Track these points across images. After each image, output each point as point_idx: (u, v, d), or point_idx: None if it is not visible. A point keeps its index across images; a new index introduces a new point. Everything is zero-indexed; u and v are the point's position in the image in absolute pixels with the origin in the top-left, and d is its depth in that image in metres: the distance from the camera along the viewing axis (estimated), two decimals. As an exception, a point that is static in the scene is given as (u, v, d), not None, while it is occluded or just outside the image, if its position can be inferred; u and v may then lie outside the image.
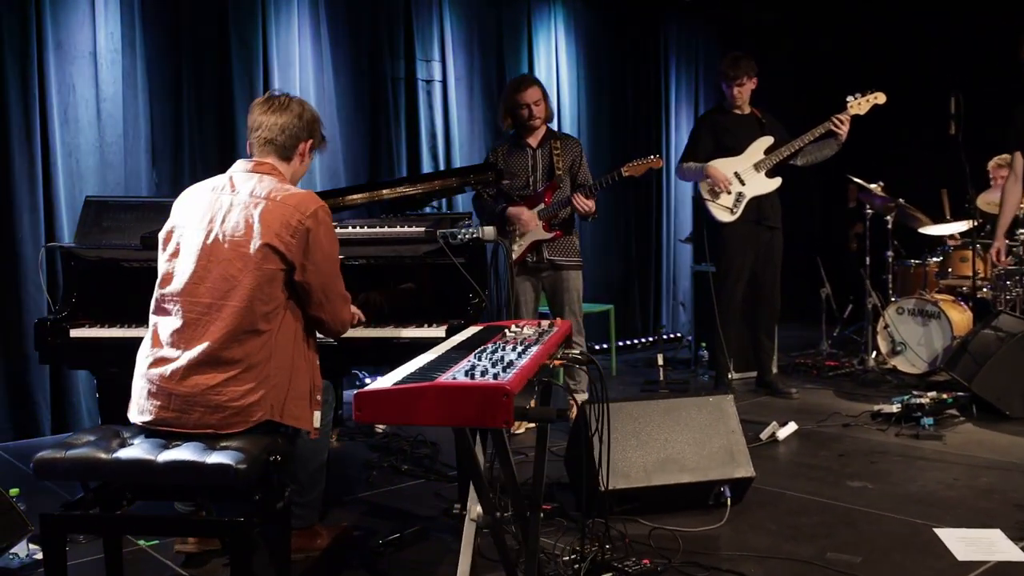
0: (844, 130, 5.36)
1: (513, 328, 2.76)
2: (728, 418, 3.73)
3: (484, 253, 3.30)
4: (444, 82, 6.83)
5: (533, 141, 4.93)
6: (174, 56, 5.61)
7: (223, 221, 2.62)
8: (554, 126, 7.36)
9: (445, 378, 1.99)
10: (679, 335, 8.05)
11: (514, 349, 2.36)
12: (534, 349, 2.37)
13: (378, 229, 3.38)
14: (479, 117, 7.04)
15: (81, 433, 2.72)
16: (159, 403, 2.60)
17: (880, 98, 5.38)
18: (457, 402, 1.92)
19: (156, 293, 2.68)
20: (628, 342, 7.83)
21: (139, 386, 2.64)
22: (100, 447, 2.60)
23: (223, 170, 5.70)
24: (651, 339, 7.94)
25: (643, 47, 8.24)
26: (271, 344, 2.64)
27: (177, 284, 2.63)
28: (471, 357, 2.25)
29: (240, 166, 2.77)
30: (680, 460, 3.59)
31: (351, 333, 3.13)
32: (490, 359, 2.20)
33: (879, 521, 3.50)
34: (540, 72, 7.38)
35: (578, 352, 2.74)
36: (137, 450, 2.57)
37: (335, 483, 4.22)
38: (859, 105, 5.38)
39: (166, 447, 2.57)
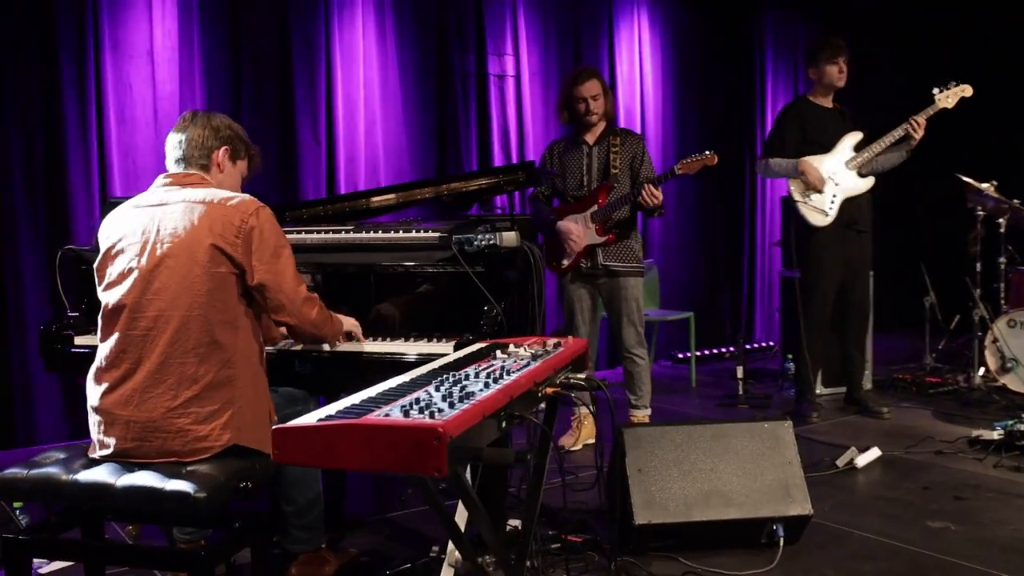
0: (919, 135, 4.90)
1: (512, 347, 2.45)
2: (784, 447, 3.32)
3: (505, 261, 2.99)
4: (517, 77, 6.54)
5: (590, 138, 4.60)
6: (232, 54, 5.50)
7: (158, 231, 2.47)
8: (639, 124, 7.06)
9: (377, 415, 1.71)
10: (771, 344, 7.55)
11: (489, 376, 2.05)
12: (512, 377, 2.06)
13: (390, 234, 3.12)
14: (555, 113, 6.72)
15: (54, 451, 2.57)
16: (117, 434, 2.43)
17: (967, 91, 4.88)
18: (382, 444, 1.62)
19: (99, 323, 2.53)
20: (713, 351, 7.38)
21: (94, 421, 2.49)
22: (63, 468, 2.43)
23: (284, 171, 5.66)
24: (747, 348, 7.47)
25: (736, 38, 7.75)
26: (235, 362, 2.46)
27: (121, 305, 2.47)
28: (430, 386, 1.96)
29: (161, 182, 2.61)
30: (727, 493, 3.21)
31: (348, 347, 2.91)
32: (448, 390, 1.90)
33: (954, 572, 3.05)
34: (622, 66, 7.02)
35: (583, 376, 2.41)
36: (98, 473, 2.39)
37: (366, 501, 4.01)
38: (946, 98, 4.89)
39: (129, 471, 2.38)
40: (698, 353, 7.17)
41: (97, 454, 2.47)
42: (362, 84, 5.91)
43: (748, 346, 7.55)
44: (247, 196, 2.54)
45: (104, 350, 2.48)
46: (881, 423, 5.15)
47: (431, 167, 6.22)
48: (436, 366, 2.25)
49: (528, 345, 2.51)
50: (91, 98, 5.05)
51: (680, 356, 7.00)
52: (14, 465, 2.48)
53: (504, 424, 1.92)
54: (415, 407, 1.74)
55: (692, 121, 7.45)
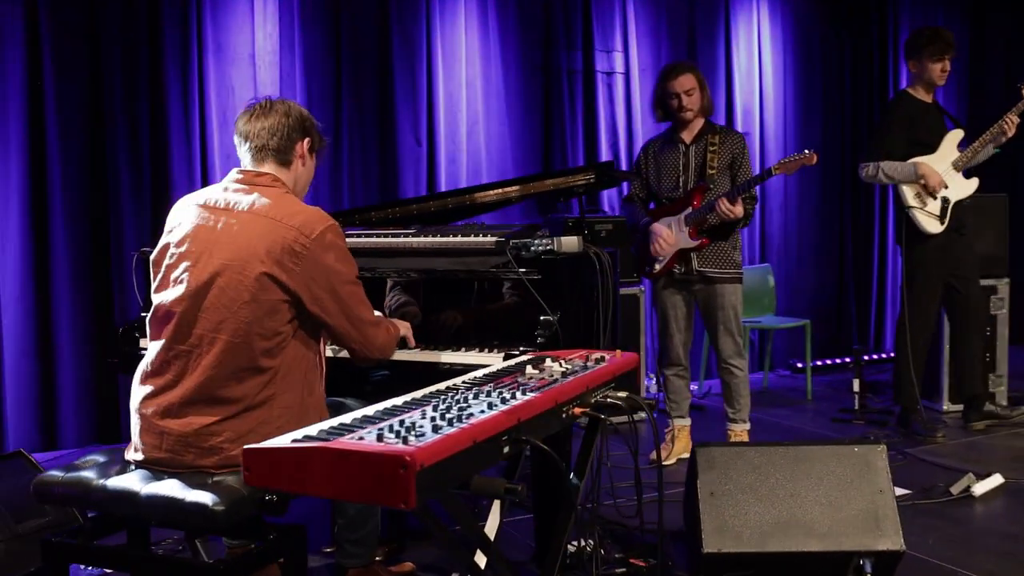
0: (1011, 133, 4.56)
1: (548, 361, 2.28)
2: (876, 474, 3.01)
3: (564, 268, 2.82)
4: (627, 74, 6.31)
5: (687, 136, 4.35)
6: (333, 56, 5.51)
7: (217, 242, 2.34)
8: (757, 122, 6.71)
9: (349, 439, 1.58)
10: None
11: (502, 395, 1.89)
12: (526, 397, 1.89)
13: (444, 239, 2.99)
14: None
15: (97, 454, 2.56)
16: (151, 442, 2.37)
17: None
18: (348, 471, 1.50)
19: (148, 323, 2.45)
20: (836, 361, 6.94)
21: (134, 421, 2.43)
22: (98, 472, 2.41)
23: (383, 174, 5.64)
24: (865, 359, 7.01)
25: (866, 26, 7.25)
26: (275, 383, 2.35)
27: (171, 313, 2.37)
28: (429, 406, 1.81)
29: (233, 177, 2.47)
30: (807, 523, 2.93)
31: (399, 356, 2.79)
32: (444, 411, 1.76)
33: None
34: (739, 60, 6.68)
35: (624, 396, 2.23)
36: (127, 479, 2.35)
37: (434, 510, 3.89)
38: None
39: (158, 479, 2.34)
40: (819, 363, 6.79)
41: (131, 456, 2.43)
42: (464, 83, 5.83)
43: (874, 356, 7.08)
44: (314, 213, 2.37)
45: (151, 354, 2.41)
46: (1012, 445, 4.69)
47: (535, 168, 6.07)
48: (457, 382, 2.11)
49: (569, 360, 2.34)
50: (194, 101, 5.15)
51: (800, 366, 6.61)
52: (56, 467, 2.48)
53: (507, 449, 1.76)
54: (393, 431, 1.60)
55: (816, 118, 7.03)
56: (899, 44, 7.29)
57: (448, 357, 2.76)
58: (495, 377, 2.13)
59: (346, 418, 1.75)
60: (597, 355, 2.39)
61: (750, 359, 6.58)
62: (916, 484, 3.98)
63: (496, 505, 2.35)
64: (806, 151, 4.00)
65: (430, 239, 2.99)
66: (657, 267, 4.35)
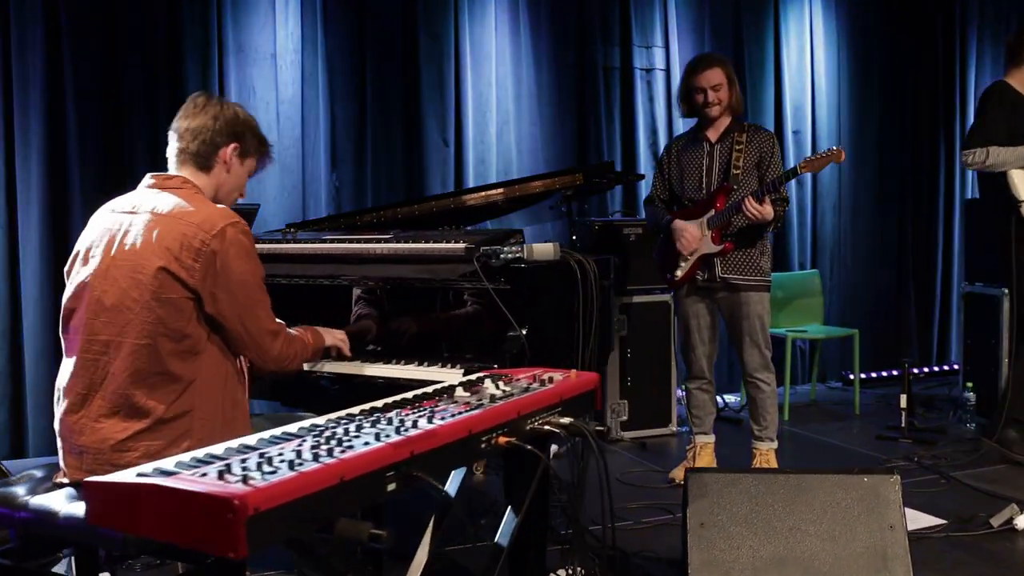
0: None
1: (487, 383, 2.07)
2: (886, 507, 2.73)
3: (535, 277, 2.61)
4: (667, 71, 6.04)
5: (712, 134, 4.08)
6: (357, 54, 5.38)
7: (119, 245, 2.21)
8: (809, 121, 6.35)
9: (192, 475, 1.40)
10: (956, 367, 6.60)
11: (404, 422, 1.70)
12: (429, 425, 1.69)
13: (412, 245, 2.79)
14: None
15: (36, 468, 2.45)
16: (73, 463, 2.25)
17: None
18: (178, 513, 1.32)
19: (61, 332, 2.33)
20: (892, 373, 6.52)
21: (58, 442, 2.31)
22: (27, 488, 2.29)
23: (409, 175, 5.49)
24: (922, 371, 6.60)
25: (929, 18, 6.81)
26: (192, 394, 2.20)
27: (78, 320, 2.25)
28: (310, 436, 1.63)
29: (146, 181, 2.35)
30: (807, 560, 2.67)
31: (343, 368, 2.63)
32: (322, 440, 1.57)
33: None
34: (790, 56, 6.33)
35: (567, 422, 2.01)
36: (50, 499, 2.22)
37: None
38: None
39: (81, 499, 2.21)
40: (873, 375, 6.41)
41: (59, 479, 2.31)
42: (494, 82, 5.64)
43: (932, 369, 6.66)
44: (217, 210, 2.25)
45: (65, 368, 2.29)
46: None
47: (571, 163, 5.85)
48: (379, 403, 1.92)
49: (514, 380, 2.13)
50: (214, 102, 5.06)
51: (851, 378, 6.24)
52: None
53: (393, 487, 1.56)
54: (242, 466, 1.42)
55: (872, 118, 6.62)
56: (968, 34, 6.86)
57: (396, 371, 2.58)
58: (417, 400, 1.94)
59: (215, 449, 1.58)
60: (550, 375, 2.18)
61: (796, 370, 6.26)
62: (954, 513, 3.65)
63: (427, 536, 2.15)
64: (834, 148, 3.70)
65: (395, 245, 2.80)
66: (679, 274, 4.09)
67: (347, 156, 5.39)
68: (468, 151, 5.59)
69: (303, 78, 5.25)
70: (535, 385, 2.07)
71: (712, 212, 3.96)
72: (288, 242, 3.03)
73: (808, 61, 6.38)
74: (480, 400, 1.91)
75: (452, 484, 2.16)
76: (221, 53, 5.08)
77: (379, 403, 1.89)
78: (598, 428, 2.08)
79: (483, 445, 1.80)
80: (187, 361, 2.18)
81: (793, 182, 6.25)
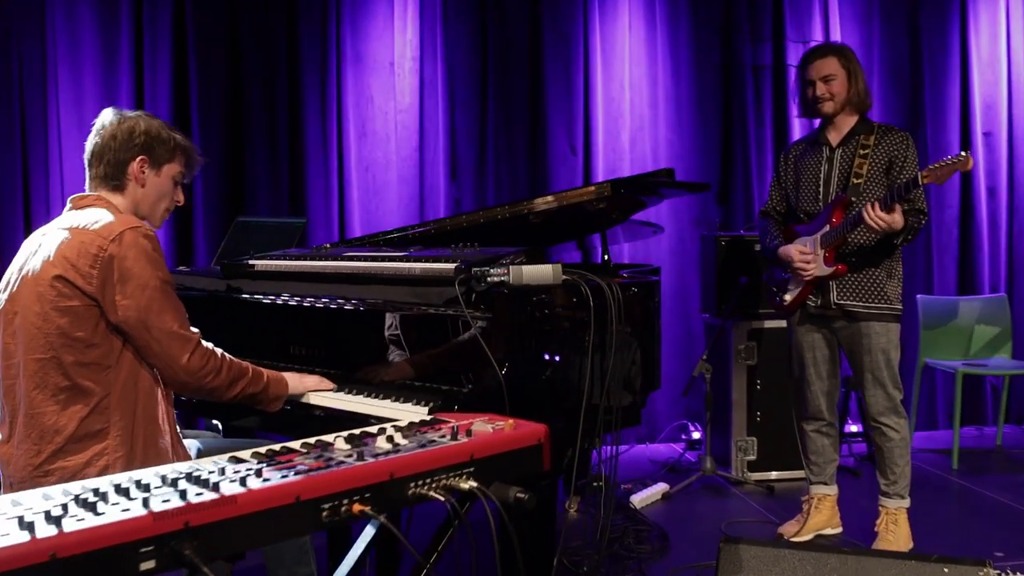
0: None
1: (388, 432, 1.73)
2: (969, 610, 2.13)
3: (521, 305, 2.24)
4: (829, 67, 5.37)
5: (834, 137, 3.50)
6: (479, 58, 5.15)
7: (29, 265, 2.13)
8: (1004, 123, 5.46)
9: None
10: None
11: (199, 484, 1.41)
12: (232, 490, 1.38)
13: (394, 264, 2.48)
14: (886, 108, 5.43)
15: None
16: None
17: None
18: None
19: None
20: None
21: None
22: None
23: (533, 186, 5.21)
24: None
25: None
26: (106, 410, 2.08)
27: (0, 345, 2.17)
28: (73, 496, 1.37)
29: (68, 206, 2.24)
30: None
31: (315, 399, 2.38)
32: (85, 499, 1.31)
33: None
34: (981, 46, 5.47)
35: (468, 486, 1.64)
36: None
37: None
38: None
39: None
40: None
41: None
42: (627, 85, 5.23)
43: None
44: (121, 218, 2.12)
45: None
46: None
47: (714, 175, 5.34)
48: (211, 460, 1.62)
49: (437, 428, 1.79)
50: (332, 112, 5.01)
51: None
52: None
53: (147, 565, 1.27)
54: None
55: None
56: None
57: (341, 403, 2.31)
58: (275, 453, 1.63)
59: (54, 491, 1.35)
60: (482, 425, 1.81)
61: (984, 409, 5.41)
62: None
63: None
64: (961, 153, 3.03)
65: (380, 264, 2.51)
66: (787, 298, 3.54)
67: (467, 166, 5.17)
68: (598, 160, 5.21)
69: (422, 86, 5.08)
70: (443, 438, 1.71)
71: (827, 228, 3.39)
72: (283, 259, 2.82)
73: (1003, 50, 5.47)
74: (340, 458, 1.57)
75: (359, 545, 1.83)
76: (339, 62, 5.01)
77: (220, 458, 1.60)
78: (519, 495, 1.69)
79: (324, 513, 1.47)
80: (97, 374, 2.07)
81: (983, 191, 5.42)
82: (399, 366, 2.43)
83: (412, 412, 2.19)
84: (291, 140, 5.00)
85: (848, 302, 3.40)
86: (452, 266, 2.34)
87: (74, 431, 2.05)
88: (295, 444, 1.69)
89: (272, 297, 2.70)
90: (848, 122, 3.49)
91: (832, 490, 3.68)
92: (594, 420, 2.40)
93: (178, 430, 2.25)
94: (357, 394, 2.38)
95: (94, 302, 2.04)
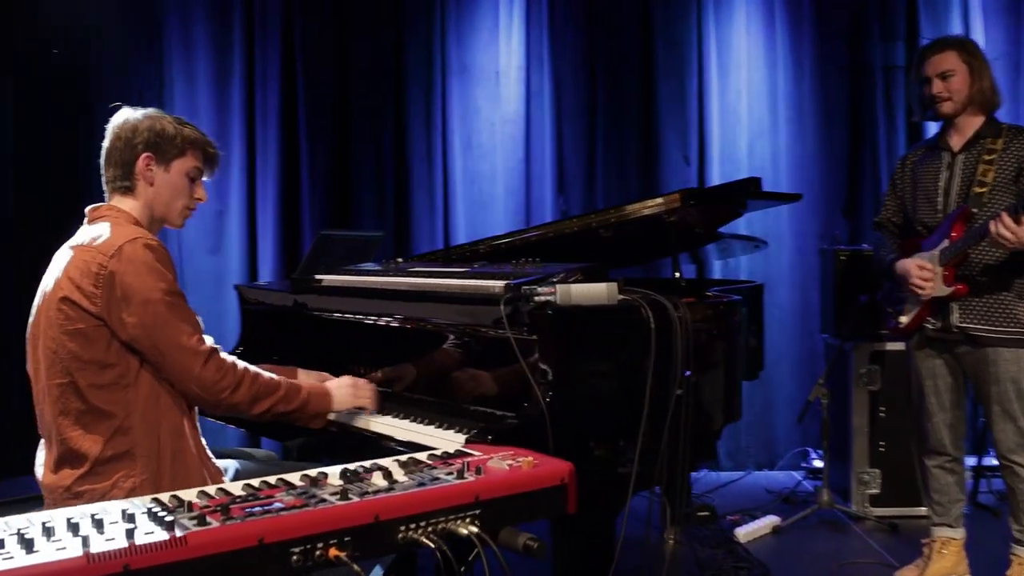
0: None
1: (381, 471, 1.59)
2: None
3: (568, 326, 2.07)
4: (970, 66, 4.93)
5: (956, 141, 3.16)
6: (586, 67, 4.99)
7: (44, 288, 2.11)
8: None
9: None
10: None
11: (159, 520, 1.31)
12: (186, 529, 1.28)
13: (445, 281, 2.35)
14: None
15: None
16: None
17: None
18: None
19: None
20: None
21: None
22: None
23: (644, 196, 4.98)
24: None
25: None
26: (130, 432, 2.03)
27: (30, 374, 2.17)
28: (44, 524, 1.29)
29: (85, 219, 2.20)
30: None
31: (358, 422, 2.27)
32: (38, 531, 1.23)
33: None
34: None
35: (467, 531, 1.48)
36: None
37: None
38: None
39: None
40: None
41: None
42: (745, 90, 4.96)
43: None
44: (123, 230, 2.05)
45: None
46: None
47: (840, 185, 4.99)
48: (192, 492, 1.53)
49: (449, 463, 1.64)
50: (436, 123, 4.96)
51: None
52: None
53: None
54: None
55: None
56: None
57: (383, 426, 2.18)
58: (268, 487, 1.52)
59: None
60: (495, 461, 1.64)
61: None
62: None
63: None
64: None
65: (422, 280, 2.39)
66: (903, 320, 3.21)
67: (575, 178, 5.01)
68: (713, 170, 4.95)
69: (528, 95, 4.96)
70: (449, 476, 1.56)
71: (946, 243, 3.05)
72: (347, 274, 2.74)
73: None
74: (324, 496, 1.45)
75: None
76: (444, 74, 4.95)
77: (209, 488, 1.50)
78: (530, 542, 1.52)
79: (294, 558, 1.35)
80: (117, 394, 2.02)
81: None
82: (444, 389, 2.31)
83: (450, 441, 2.05)
84: (396, 153, 4.97)
85: (972, 325, 3.05)
86: (500, 284, 2.19)
87: (99, 454, 2.01)
88: (293, 476, 1.59)
89: (328, 313, 2.64)
90: (972, 124, 3.14)
91: (958, 533, 3.31)
92: (654, 456, 2.19)
93: (207, 449, 2.18)
94: (403, 417, 2.26)
95: (101, 322, 1.99)
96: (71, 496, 2.03)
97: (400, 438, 2.13)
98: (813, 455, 4.78)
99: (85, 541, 1.22)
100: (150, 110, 2.19)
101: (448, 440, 2.05)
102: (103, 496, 1.99)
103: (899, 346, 4.02)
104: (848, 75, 4.98)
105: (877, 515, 4.05)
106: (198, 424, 2.18)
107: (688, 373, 2.35)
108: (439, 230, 4.95)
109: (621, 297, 2.16)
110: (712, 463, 4.93)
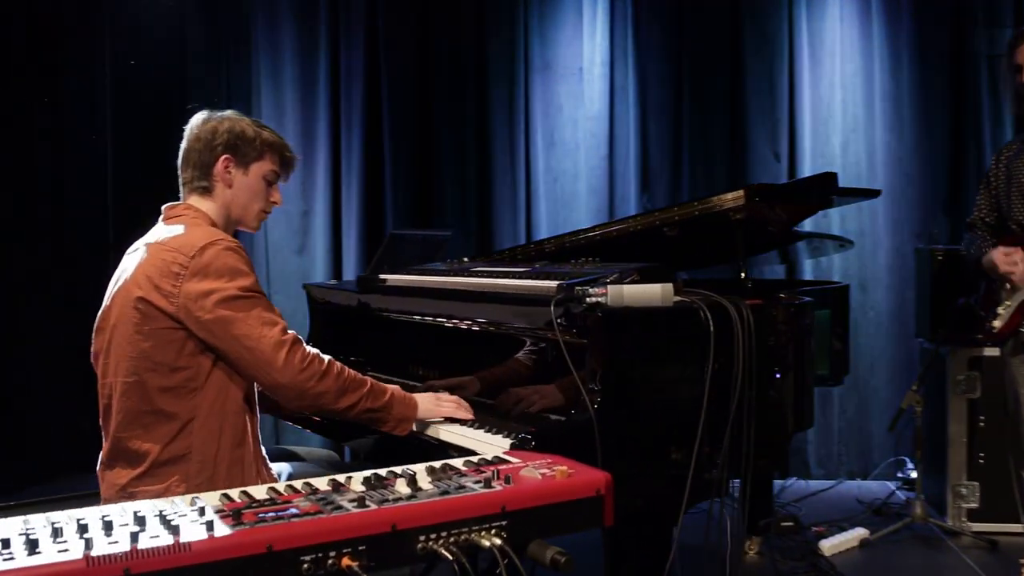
0: None
1: (404, 477, 1.54)
2: None
3: (620, 328, 1.99)
4: (1086, 53, 4.62)
5: (1059, 133, 2.96)
6: (672, 62, 4.87)
7: (118, 285, 2.10)
8: None
9: None
10: None
11: (168, 523, 1.29)
12: (156, 539, 1.26)
13: (501, 281, 2.29)
14: None
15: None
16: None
17: None
18: None
19: None
20: None
21: None
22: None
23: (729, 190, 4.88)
24: None
25: None
26: (190, 433, 2.03)
27: (96, 372, 2.17)
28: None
29: (161, 214, 2.20)
30: None
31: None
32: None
33: None
34: None
35: (490, 543, 1.43)
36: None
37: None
38: None
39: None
40: None
41: None
42: (838, 83, 4.76)
43: None
44: (203, 232, 2.05)
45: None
46: None
47: (941, 181, 4.74)
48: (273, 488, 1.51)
49: (481, 471, 1.59)
50: (519, 121, 4.92)
51: None
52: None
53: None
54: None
55: None
56: None
57: (440, 432, 2.13)
58: (292, 491, 1.49)
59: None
60: (530, 469, 1.58)
61: None
62: None
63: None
64: None
65: (479, 280, 2.34)
66: (996, 324, 3.02)
67: (660, 175, 4.89)
68: (804, 166, 4.77)
69: (611, 92, 4.87)
70: (477, 485, 1.51)
71: (1045, 241, 2.85)
72: (410, 274, 2.71)
73: None
74: (342, 502, 1.41)
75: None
76: (527, 71, 4.90)
77: (232, 492, 1.48)
78: (558, 556, 1.45)
79: (305, 566, 1.31)
80: (183, 398, 2.02)
81: None
82: (497, 392, 2.25)
83: (496, 446, 1.99)
84: (478, 151, 4.95)
85: (1073, 331, 2.84)
86: (553, 284, 2.13)
87: (157, 456, 2.01)
88: (320, 480, 1.55)
89: (388, 312, 2.62)
90: (1073, 115, 2.92)
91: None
92: (713, 465, 2.09)
93: (266, 459, 2.17)
94: (452, 421, 2.22)
95: (178, 323, 1.99)
96: (125, 496, 2.03)
97: (450, 441, 2.09)
98: (910, 465, 4.55)
99: (88, 544, 1.21)
100: (229, 112, 2.20)
101: (494, 445, 2.00)
102: (162, 495, 2.00)
103: (999, 351, 3.79)
104: (950, 64, 4.72)
105: (975, 531, 3.82)
106: (259, 432, 2.17)
107: (778, 375, 2.26)
108: (521, 229, 4.90)
109: (677, 299, 2.07)
110: (803, 471, 4.76)
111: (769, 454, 2.36)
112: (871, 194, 3.10)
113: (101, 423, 2.18)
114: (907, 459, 4.60)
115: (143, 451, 2.02)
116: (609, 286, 1.99)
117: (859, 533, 3.78)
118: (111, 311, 2.10)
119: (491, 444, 2.01)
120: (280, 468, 2.31)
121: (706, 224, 2.47)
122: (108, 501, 2.10)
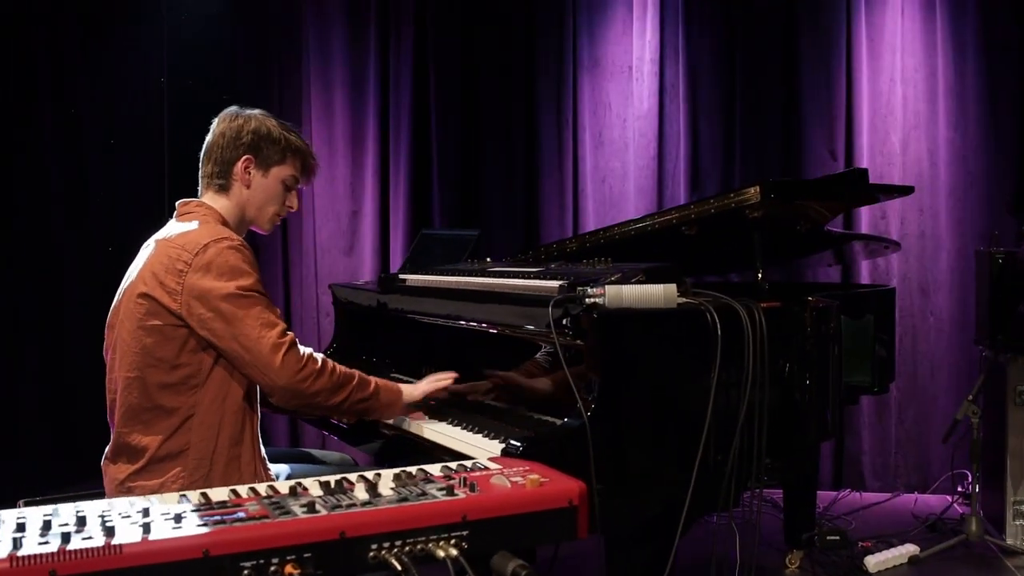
0: None
1: (364, 483, 1.49)
2: None
3: (618, 330, 1.91)
4: None
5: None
6: (725, 59, 4.73)
7: (127, 280, 2.13)
8: None
9: None
10: None
11: (109, 529, 1.26)
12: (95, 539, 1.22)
13: (508, 281, 2.22)
14: None
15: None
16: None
17: None
18: None
19: None
20: None
21: None
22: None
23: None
24: None
25: None
26: (188, 430, 2.04)
27: (106, 366, 2.20)
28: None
29: (175, 210, 2.21)
30: None
31: (410, 426, 2.19)
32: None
33: None
34: None
35: (445, 554, 1.37)
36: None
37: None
38: None
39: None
40: None
41: None
42: (899, 78, 4.55)
43: None
44: (209, 229, 2.05)
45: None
46: None
47: (1009, 179, 4.51)
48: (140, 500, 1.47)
49: (446, 477, 1.54)
50: (567, 120, 4.85)
51: None
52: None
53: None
54: None
55: None
56: None
57: (427, 431, 2.08)
58: (256, 494, 1.45)
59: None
60: (496, 477, 1.52)
61: None
62: None
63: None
64: None
65: (488, 280, 2.28)
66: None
67: (711, 176, 4.76)
68: (861, 164, 4.57)
69: (662, 90, 4.75)
70: (439, 492, 1.45)
71: (1105, 242, 2.67)
72: (428, 274, 2.68)
73: None
74: (292, 507, 1.36)
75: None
76: (575, 69, 4.83)
77: (191, 493, 1.45)
78: (519, 568, 1.38)
79: (245, 573, 1.27)
80: (183, 394, 2.03)
81: None
82: (500, 394, 2.20)
83: (488, 451, 1.93)
84: (526, 150, 4.89)
85: None
86: (555, 284, 2.06)
87: (155, 451, 2.03)
88: (283, 484, 1.51)
89: (405, 313, 2.59)
90: None
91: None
92: (716, 481, 1.99)
93: (265, 459, 2.16)
94: (455, 423, 2.17)
95: (180, 320, 1.99)
96: (124, 491, 2.05)
97: (446, 445, 2.06)
98: (970, 479, 4.33)
99: (16, 543, 1.19)
100: (257, 111, 2.20)
101: (485, 450, 1.94)
102: (158, 490, 2.00)
103: (1066, 359, 3.58)
104: (1018, 57, 4.48)
105: (1039, 549, 3.61)
106: (259, 431, 2.16)
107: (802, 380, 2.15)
108: (568, 229, 4.82)
109: (682, 300, 1.98)
110: (859, 483, 4.58)
111: (791, 465, 2.26)
112: (904, 191, 2.94)
113: (108, 418, 2.19)
114: (967, 472, 4.38)
115: (142, 446, 2.04)
116: (607, 286, 1.91)
117: (908, 550, 3.60)
118: (120, 306, 2.12)
119: (483, 448, 1.96)
120: (279, 469, 2.29)
121: (725, 223, 2.36)
122: (109, 496, 2.11)
